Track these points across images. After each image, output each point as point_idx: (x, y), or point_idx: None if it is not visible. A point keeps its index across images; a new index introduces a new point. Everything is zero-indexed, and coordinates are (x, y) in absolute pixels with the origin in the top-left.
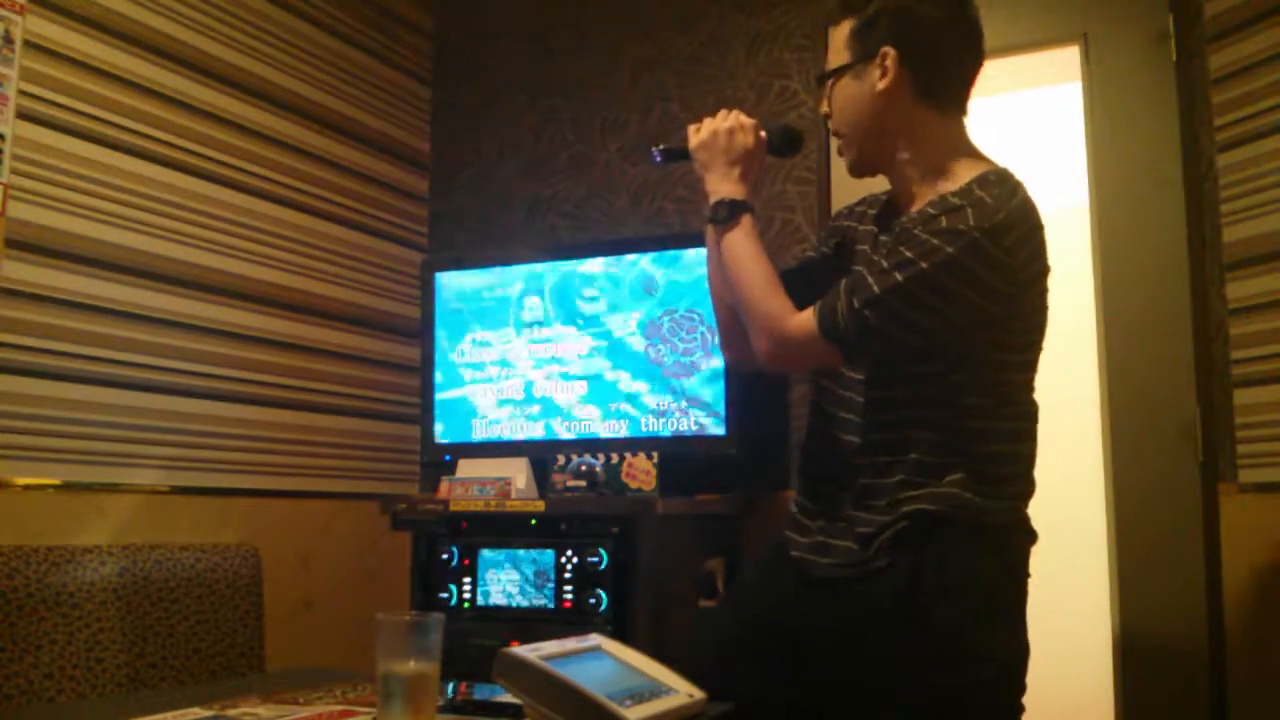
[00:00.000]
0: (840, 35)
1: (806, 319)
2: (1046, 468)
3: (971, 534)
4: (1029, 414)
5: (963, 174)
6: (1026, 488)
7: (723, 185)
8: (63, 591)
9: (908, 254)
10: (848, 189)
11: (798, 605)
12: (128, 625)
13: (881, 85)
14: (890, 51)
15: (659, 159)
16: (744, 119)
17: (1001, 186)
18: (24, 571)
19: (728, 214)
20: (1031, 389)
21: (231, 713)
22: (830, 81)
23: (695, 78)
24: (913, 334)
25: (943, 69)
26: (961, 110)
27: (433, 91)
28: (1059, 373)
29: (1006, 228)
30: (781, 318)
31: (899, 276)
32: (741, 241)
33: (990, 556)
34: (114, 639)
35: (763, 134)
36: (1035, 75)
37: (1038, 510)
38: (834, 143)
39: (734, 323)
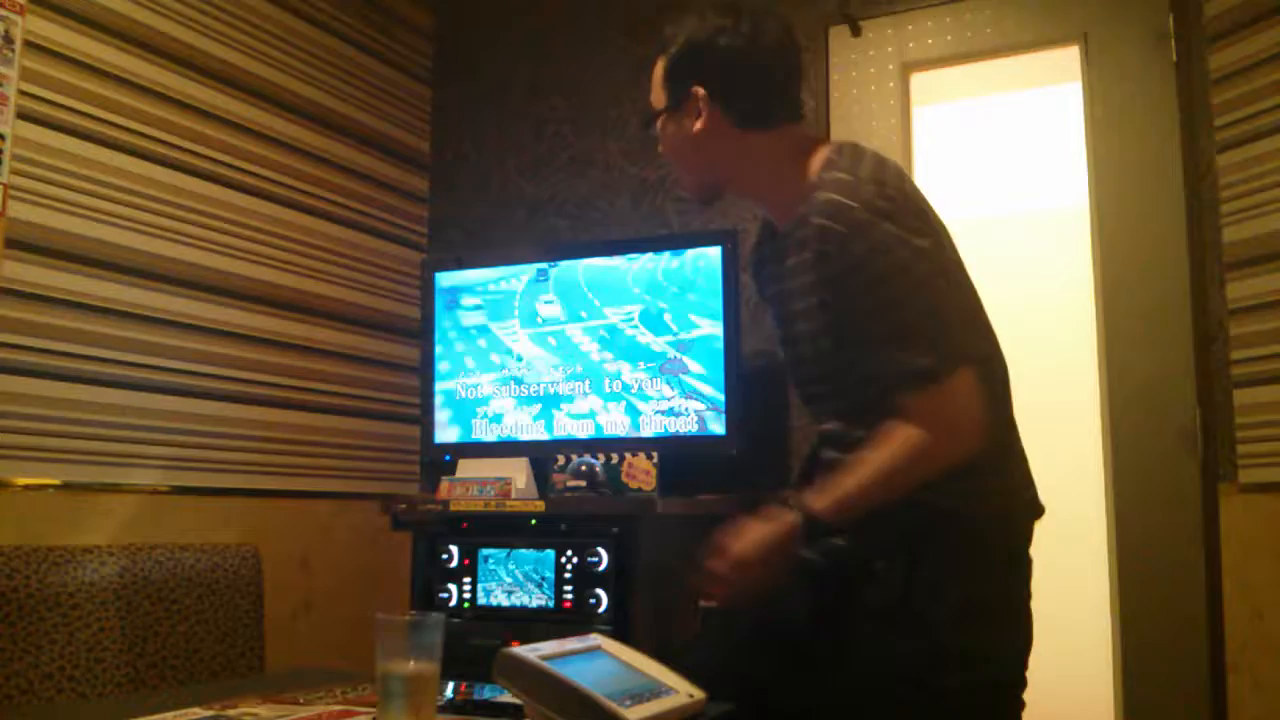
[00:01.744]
0: (657, 76)
1: (917, 409)
2: (1047, 468)
3: (965, 532)
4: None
5: (807, 167)
6: (1016, 481)
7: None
8: (63, 591)
9: (830, 272)
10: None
11: (799, 603)
12: (128, 625)
13: (698, 126)
14: (698, 91)
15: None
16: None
17: (849, 156)
18: (24, 571)
19: (804, 519)
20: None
21: (231, 713)
22: (656, 123)
23: None
24: (945, 308)
25: (756, 93)
26: (792, 118)
27: (433, 91)
28: (1059, 373)
29: (884, 179)
30: (915, 444)
31: (883, 292)
32: (843, 506)
33: (985, 555)
34: (114, 639)
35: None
36: (1035, 75)
37: None
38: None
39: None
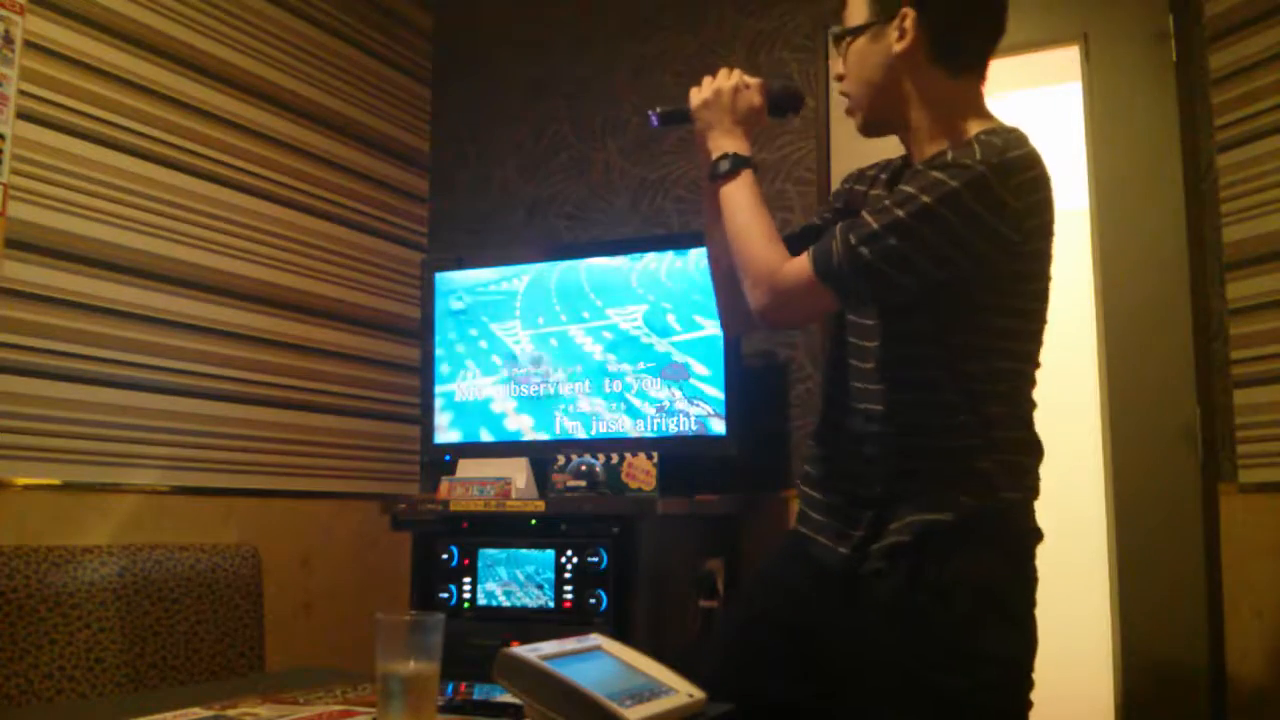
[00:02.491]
0: None
1: (801, 262)
2: (1047, 468)
3: (980, 533)
4: (1031, 402)
5: (971, 129)
6: (1037, 481)
7: (726, 141)
8: (63, 591)
9: (909, 189)
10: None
11: (809, 598)
12: (128, 625)
13: (899, 46)
14: (909, 12)
15: (656, 122)
16: (748, 78)
17: (1009, 135)
18: (24, 571)
19: (730, 167)
20: (1034, 377)
21: (231, 713)
22: (847, 41)
23: (695, 78)
24: (911, 274)
25: (960, 33)
26: (977, 76)
27: (433, 91)
28: (1059, 373)
29: (1014, 168)
30: (777, 265)
31: (899, 212)
32: (742, 194)
33: (997, 556)
34: (114, 639)
35: (765, 97)
36: (1035, 75)
37: (1038, 510)
38: (836, 107)
39: (733, 288)
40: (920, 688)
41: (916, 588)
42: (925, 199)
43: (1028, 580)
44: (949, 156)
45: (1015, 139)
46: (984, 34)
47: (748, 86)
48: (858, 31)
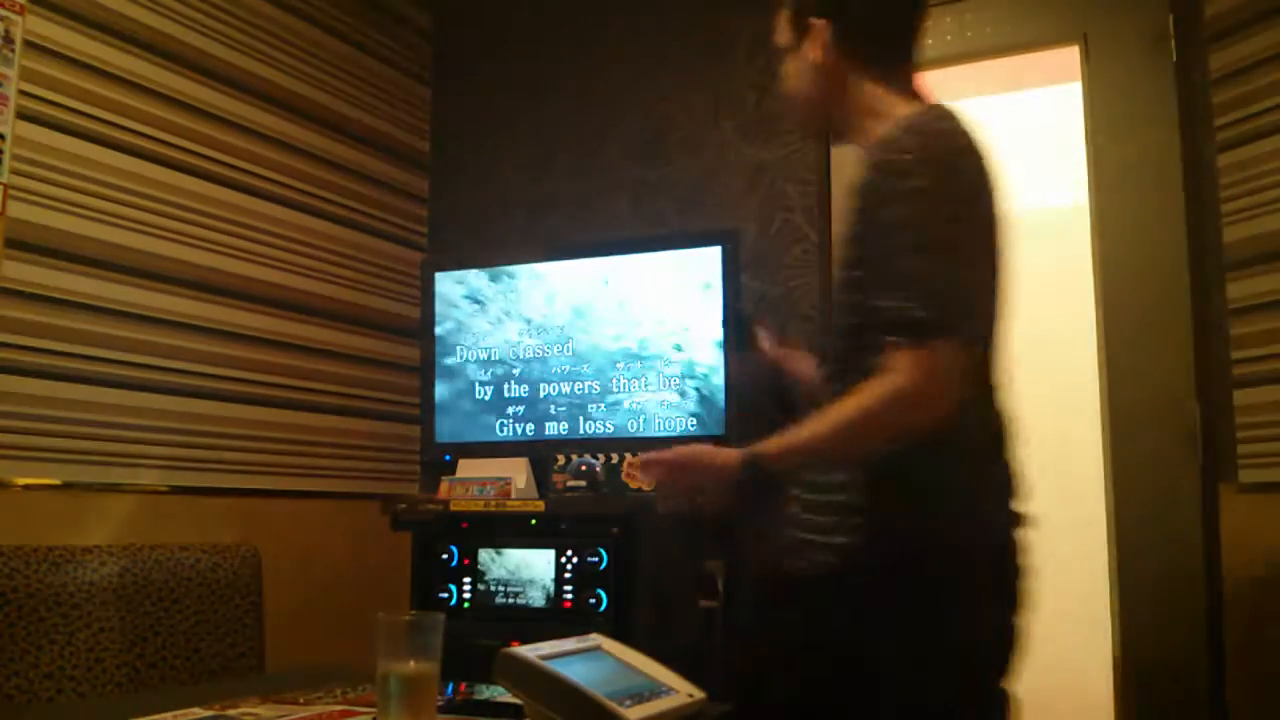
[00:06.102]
0: (783, 17)
1: (894, 360)
2: (1047, 467)
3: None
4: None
5: (897, 111)
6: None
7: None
8: (63, 591)
9: (887, 218)
10: (847, 187)
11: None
12: (128, 625)
13: (815, 55)
14: (819, 23)
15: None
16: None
17: (934, 112)
18: (24, 571)
19: (756, 470)
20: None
21: (231, 713)
22: (781, 65)
23: (695, 78)
24: (952, 272)
25: (876, 29)
26: (906, 60)
27: (433, 91)
28: (1060, 373)
29: (949, 136)
30: (884, 399)
31: (899, 238)
32: (796, 450)
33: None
34: (114, 639)
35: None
36: (1035, 75)
37: (1038, 510)
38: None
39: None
40: (898, 686)
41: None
42: (902, 212)
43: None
44: (874, 177)
45: (937, 113)
46: (901, 20)
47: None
48: (782, 53)
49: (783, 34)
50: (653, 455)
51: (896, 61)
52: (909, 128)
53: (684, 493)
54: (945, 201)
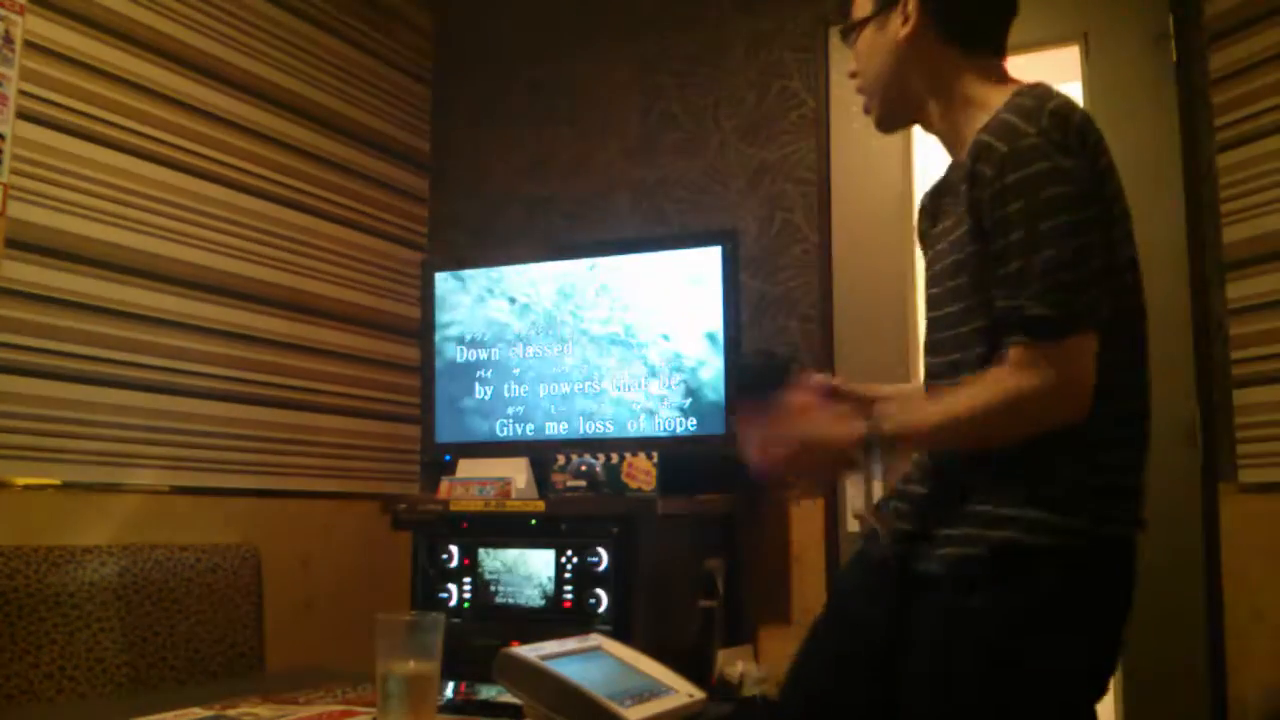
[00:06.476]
0: None
1: (1017, 356)
2: None
3: (1050, 561)
4: (1143, 389)
5: (994, 100)
6: (1138, 506)
7: (844, 431)
8: (63, 591)
9: (1011, 209)
10: (847, 187)
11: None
12: (128, 625)
13: (904, 31)
14: None
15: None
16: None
17: (1037, 91)
18: (24, 571)
19: (877, 442)
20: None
21: (231, 713)
22: (855, 35)
23: (695, 78)
24: (1087, 262)
25: (967, 10)
26: (994, 51)
27: (433, 91)
28: None
29: (1062, 118)
30: (1016, 387)
31: (1024, 231)
32: (926, 426)
33: (1079, 581)
34: (114, 639)
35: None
36: (1035, 75)
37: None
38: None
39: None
40: (966, 690)
41: (970, 596)
42: (1029, 198)
43: (1111, 595)
44: (1002, 150)
45: (1043, 92)
46: (993, 6)
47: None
48: (863, 24)
49: (862, 6)
50: (777, 437)
51: (989, 50)
52: (1020, 110)
53: (808, 472)
54: (1084, 179)
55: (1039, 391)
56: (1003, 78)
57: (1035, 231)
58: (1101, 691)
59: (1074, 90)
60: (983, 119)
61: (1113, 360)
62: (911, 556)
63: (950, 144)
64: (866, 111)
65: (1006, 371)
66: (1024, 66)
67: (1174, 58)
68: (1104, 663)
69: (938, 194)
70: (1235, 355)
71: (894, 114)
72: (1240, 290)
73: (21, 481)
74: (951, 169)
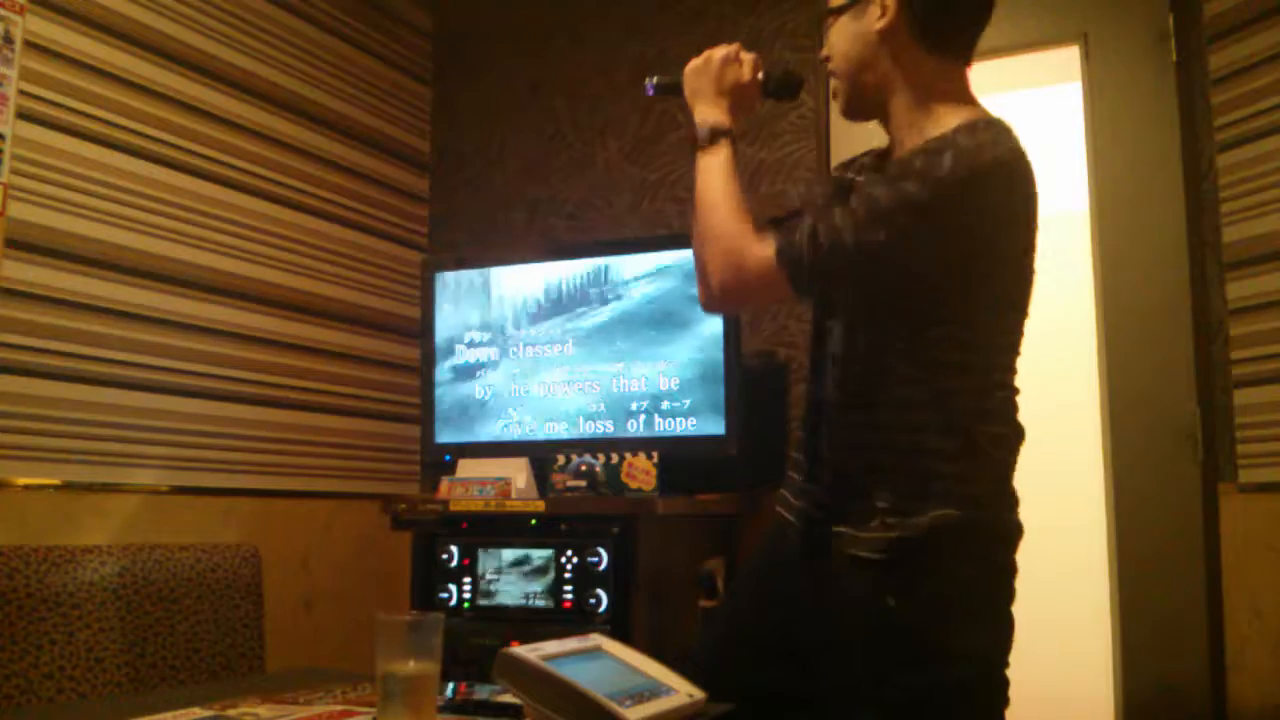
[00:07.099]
0: None
1: (766, 244)
2: (1047, 468)
3: (952, 542)
4: (1012, 393)
5: (950, 120)
6: (1010, 484)
7: (708, 111)
8: (63, 591)
9: (876, 192)
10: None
11: (796, 592)
12: (128, 625)
13: (879, 24)
14: None
15: (651, 91)
16: (744, 53)
17: (988, 132)
18: (24, 571)
19: (707, 139)
20: (1014, 369)
21: (231, 713)
22: (830, 19)
23: None
24: (867, 274)
25: (944, 12)
26: (962, 59)
27: (433, 91)
28: (1059, 373)
29: (984, 178)
30: (743, 243)
31: (862, 211)
32: (715, 168)
33: (970, 559)
34: (114, 639)
35: (759, 75)
36: (1035, 75)
37: (1038, 510)
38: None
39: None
40: (888, 687)
41: (883, 590)
42: (890, 203)
43: (1005, 576)
44: (917, 163)
45: (992, 138)
46: (969, 16)
47: (740, 60)
48: (840, 10)
49: None
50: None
51: (956, 57)
52: (955, 147)
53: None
54: (941, 222)
55: (738, 264)
56: (963, 94)
57: (864, 206)
58: (1005, 669)
59: (1074, 90)
60: (930, 134)
61: (1001, 380)
62: (822, 544)
63: (894, 145)
64: (833, 96)
65: (759, 236)
66: (1024, 67)
67: (1174, 58)
68: (1006, 643)
69: (845, 168)
70: (1235, 355)
71: (859, 103)
72: (1240, 290)
73: (21, 481)
74: (877, 158)
